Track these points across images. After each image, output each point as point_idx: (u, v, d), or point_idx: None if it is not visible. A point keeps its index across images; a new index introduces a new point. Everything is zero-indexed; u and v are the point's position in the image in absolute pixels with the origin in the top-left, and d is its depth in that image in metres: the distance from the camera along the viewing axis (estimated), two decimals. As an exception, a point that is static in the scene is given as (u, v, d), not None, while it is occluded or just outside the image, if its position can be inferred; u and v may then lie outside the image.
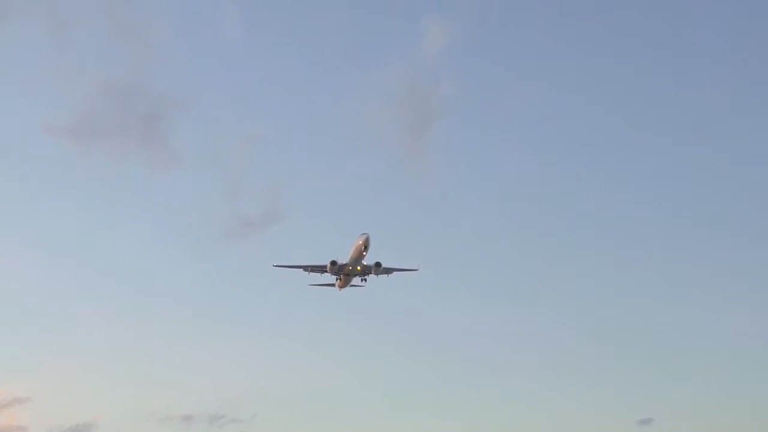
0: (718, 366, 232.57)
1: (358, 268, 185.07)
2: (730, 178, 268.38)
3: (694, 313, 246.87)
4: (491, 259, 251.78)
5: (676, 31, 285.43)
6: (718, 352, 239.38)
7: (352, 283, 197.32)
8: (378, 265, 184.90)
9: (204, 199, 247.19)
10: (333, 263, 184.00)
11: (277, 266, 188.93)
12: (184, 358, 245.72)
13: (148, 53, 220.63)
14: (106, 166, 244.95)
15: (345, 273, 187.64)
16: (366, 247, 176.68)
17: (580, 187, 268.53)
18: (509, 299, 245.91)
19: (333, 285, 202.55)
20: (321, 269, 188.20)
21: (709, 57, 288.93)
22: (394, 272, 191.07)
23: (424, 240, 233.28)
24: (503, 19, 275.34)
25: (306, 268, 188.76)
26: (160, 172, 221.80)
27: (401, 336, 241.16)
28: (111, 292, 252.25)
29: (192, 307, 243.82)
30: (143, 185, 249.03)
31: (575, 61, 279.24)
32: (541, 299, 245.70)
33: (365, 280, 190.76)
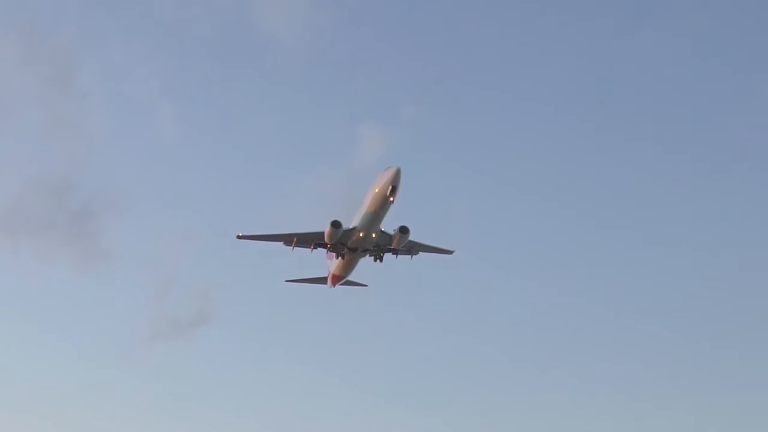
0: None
1: (374, 235, 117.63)
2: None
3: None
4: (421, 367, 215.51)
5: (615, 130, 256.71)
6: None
7: (349, 277, 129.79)
8: (404, 231, 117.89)
9: (134, 301, 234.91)
10: (335, 225, 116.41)
11: (241, 237, 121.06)
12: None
13: (83, 149, 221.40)
14: (34, 263, 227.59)
15: (351, 246, 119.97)
16: (394, 191, 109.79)
17: (526, 293, 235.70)
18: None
19: (323, 281, 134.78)
20: (313, 240, 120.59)
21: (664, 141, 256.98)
22: (421, 252, 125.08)
23: (358, 354, 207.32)
24: (441, 128, 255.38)
25: (289, 239, 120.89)
26: (90, 272, 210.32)
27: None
28: (34, 396, 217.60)
29: (120, 411, 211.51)
30: (71, 285, 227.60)
31: (516, 172, 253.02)
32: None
33: (380, 259, 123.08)
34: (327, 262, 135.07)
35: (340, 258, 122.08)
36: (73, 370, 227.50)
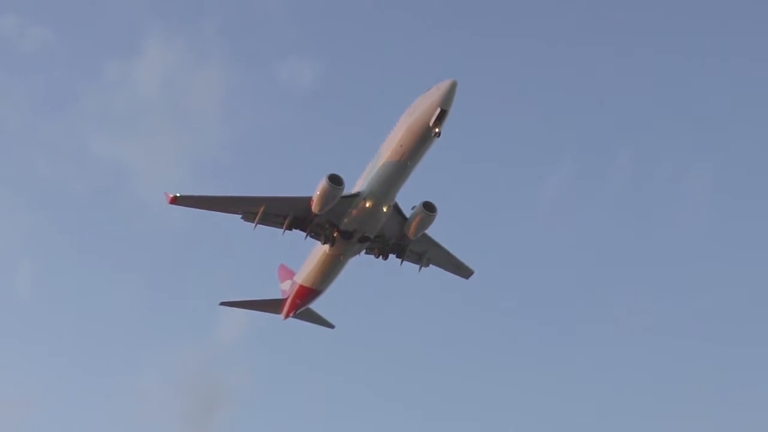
0: None
1: (386, 209, 77.59)
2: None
3: None
4: None
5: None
6: None
7: (322, 295, 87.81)
8: (429, 208, 78.58)
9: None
10: (335, 181, 75.79)
11: (177, 200, 78.67)
12: None
13: None
14: None
15: (346, 228, 78.87)
16: (441, 119, 71.48)
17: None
18: None
19: (275, 307, 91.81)
20: (291, 212, 79.42)
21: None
22: (432, 265, 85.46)
23: None
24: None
25: (253, 207, 79.20)
26: None
27: None
28: None
29: None
30: None
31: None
32: None
33: (384, 256, 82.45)
34: (279, 285, 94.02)
35: (327, 246, 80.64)
36: None
